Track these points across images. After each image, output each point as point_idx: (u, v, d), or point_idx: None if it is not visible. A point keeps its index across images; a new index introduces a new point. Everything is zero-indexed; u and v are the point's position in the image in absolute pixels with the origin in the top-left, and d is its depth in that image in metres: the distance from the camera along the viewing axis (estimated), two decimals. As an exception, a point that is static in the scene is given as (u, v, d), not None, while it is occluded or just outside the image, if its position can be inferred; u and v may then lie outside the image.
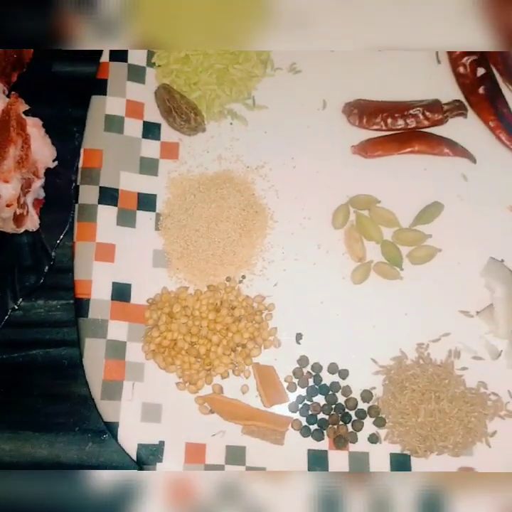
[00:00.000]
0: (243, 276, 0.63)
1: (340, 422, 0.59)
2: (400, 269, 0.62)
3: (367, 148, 0.64)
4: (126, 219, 0.63)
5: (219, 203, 0.63)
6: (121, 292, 0.62)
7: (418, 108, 0.65)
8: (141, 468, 0.57)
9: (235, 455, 0.58)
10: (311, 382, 0.61)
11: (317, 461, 0.58)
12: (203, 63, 0.65)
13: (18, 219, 0.61)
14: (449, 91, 0.66)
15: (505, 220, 0.63)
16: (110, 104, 0.65)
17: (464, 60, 0.65)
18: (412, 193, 0.64)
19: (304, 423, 0.59)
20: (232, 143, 0.66)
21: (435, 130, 0.65)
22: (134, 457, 0.57)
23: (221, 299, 0.62)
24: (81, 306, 0.60)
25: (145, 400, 0.59)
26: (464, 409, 0.58)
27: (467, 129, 0.65)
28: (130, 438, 0.58)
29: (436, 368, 0.60)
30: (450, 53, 0.66)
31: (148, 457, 0.57)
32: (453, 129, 0.65)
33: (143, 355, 0.60)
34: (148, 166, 0.65)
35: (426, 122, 0.64)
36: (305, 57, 0.67)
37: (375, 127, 0.65)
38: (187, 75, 0.65)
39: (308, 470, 0.58)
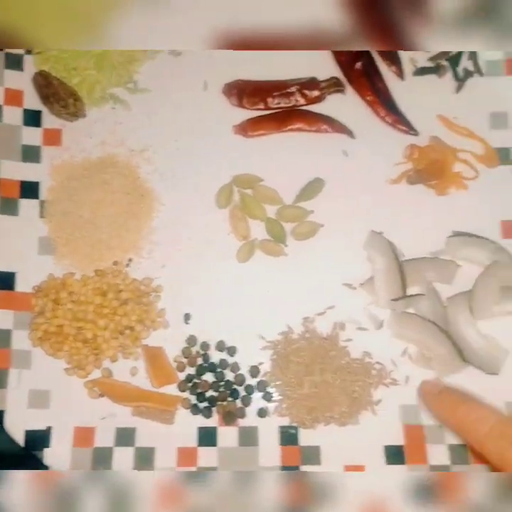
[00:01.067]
0: (130, 260, 0.63)
1: (229, 398, 0.60)
2: (285, 245, 0.63)
3: (248, 128, 0.65)
4: (8, 207, 0.63)
5: (103, 188, 0.63)
6: (5, 280, 0.61)
7: (296, 86, 0.65)
8: (29, 454, 0.57)
9: (125, 437, 0.59)
10: (200, 360, 0.61)
11: (207, 437, 0.59)
12: (80, 50, 0.64)
13: None
14: (327, 68, 0.66)
15: (385, 193, 0.64)
16: (-13, 93, 0.64)
17: (341, 37, 0.66)
18: (293, 170, 0.65)
19: (194, 401, 0.60)
20: (115, 127, 0.66)
21: (314, 107, 0.66)
22: (22, 443, 0.57)
23: (108, 283, 0.62)
24: (-36, 296, 0.59)
25: (32, 387, 0.59)
26: (349, 379, 0.60)
27: (345, 105, 0.66)
28: (17, 425, 0.58)
29: (322, 341, 0.61)
30: (327, 31, 0.66)
31: (34, 442, 0.57)
32: (332, 105, 0.66)
33: (30, 342, 0.60)
34: (31, 154, 0.65)
35: (304, 100, 0.65)
36: (185, 39, 0.67)
37: (255, 107, 0.65)
38: (65, 60, 0.65)
39: (199, 446, 0.59)
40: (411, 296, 0.61)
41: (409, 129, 0.65)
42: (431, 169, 0.64)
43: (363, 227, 0.64)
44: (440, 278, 0.62)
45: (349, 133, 0.65)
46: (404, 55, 0.67)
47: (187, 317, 0.62)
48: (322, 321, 0.62)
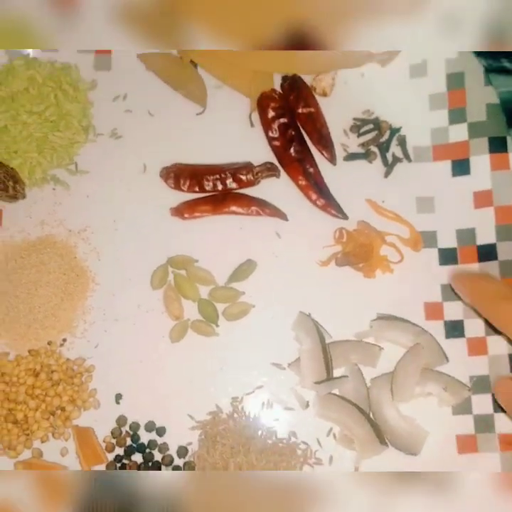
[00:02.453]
0: (64, 340, 0.65)
1: (157, 479, 0.61)
2: (216, 325, 0.65)
3: (184, 211, 0.67)
4: None
5: (39, 269, 0.65)
6: None
7: (231, 170, 0.68)
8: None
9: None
10: (129, 441, 0.62)
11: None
12: (22, 132, 0.67)
13: None
14: (262, 153, 0.69)
15: (314, 275, 0.66)
16: None
17: (275, 123, 0.69)
18: (227, 251, 0.67)
19: (122, 482, 0.61)
20: (55, 207, 0.68)
21: (249, 191, 0.68)
22: None
23: (41, 363, 0.63)
24: None
25: (-40, 468, 0.60)
26: (273, 459, 0.61)
27: (279, 188, 0.69)
28: None
29: (249, 421, 0.63)
30: (262, 117, 0.69)
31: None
32: (266, 189, 0.69)
33: (-39, 423, 0.61)
34: (-30, 234, 0.66)
35: (239, 184, 0.68)
36: (125, 123, 0.70)
37: (191, 190, 0.68)
38: (6, 144, 0.67)
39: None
40: (335, 378, 0.63)
41: (338, 212, 0.68)
42: (358, 252, 0.67)
43: (292, 308, 0.66)
44: (364, 360, 0.64)
45: (282, 216, 0.68)
46: (336, 141, 0.70)
47: (118, 397, 0.63)
48: (250, 401, 0.64)
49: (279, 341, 0.65)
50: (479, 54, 0.71)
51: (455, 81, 0.69)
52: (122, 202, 0.68)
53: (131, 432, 0.62)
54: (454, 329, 0.65)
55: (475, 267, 0.65)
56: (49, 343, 0.64)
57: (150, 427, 0.63)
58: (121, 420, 0.63)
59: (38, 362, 0.63)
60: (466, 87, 0.69)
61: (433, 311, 0.65)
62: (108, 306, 0.66)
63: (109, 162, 0.69)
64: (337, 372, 0.64)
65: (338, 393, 0.63)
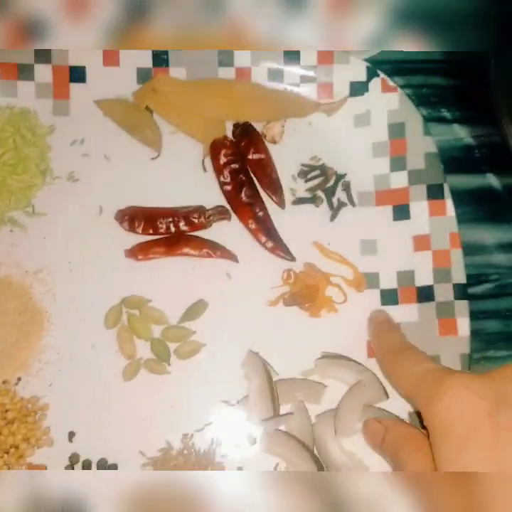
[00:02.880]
0: (19, 379, 0.66)
1: (109, 515, 0.63)
2: (168, 364, 0.68)
3: (138, 252, 0.70)
4: None
5: (-4, 309, 0.67)
6: None
7: (184, 213, 0.71)
8: None
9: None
10: (81, 478, 0.64)
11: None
12: (-20, 176, 0.69)
13: None
14: (214, 197, 0.72)
15: (263, 314, 0.70)
16: None
17: (227, 168, 0.72)
18: (180, 292, 0.70)
19: (74, 519, 0.63)
20: (12, 249, 0.70)
21: (201, 233, 0.71)
22: None
23: (-4, 402, 0.65)
24: None
25: None
26: (221, 494, 0.63)
27: (230, 231, 0.72)
28: None
29: (199, 457, 0.65)
30: (214, 162, 0.73)
31: None
32: (218, 231, 0.72)
33: None
34: None
35: (191, 226, 0.71)
36: (82, 167, 0.72)
37: (145, 232, 0.70)
38: (-36, 186, 0.69)
39: None
40: (282, 415, 0.66)
41: (286, 254, 0.71)
42: (305, 293, 0.70)
43: (241, 347, 0.69)
44: (309, 397, 0.67)
45: (233, 257, 0.71)
46: (284, 185, 0.73)
47: (71, 435, 0.65)
48: (200, 437, 0.66)
49: (228, 379, 0.68)
50: (419, 104, 0.76)
51: (396, 130, 0.73)
52: (78, 243, 0.71)
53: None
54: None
55: (414, 307, 0.69)
56: (4, 382, 0.66)
57: (102, 464, 0.65)
58: (74, 458, 0.65)
59: (-8, 401, 0.65)
60: (406, 136, 0.73)
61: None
62: (63, 345, 0.68)
63: (65, 204, 0.71)
64: (283, 409, 0.67)
65: (284, 429, 0.66)
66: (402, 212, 0.72)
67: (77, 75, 0.74)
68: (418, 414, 0.59)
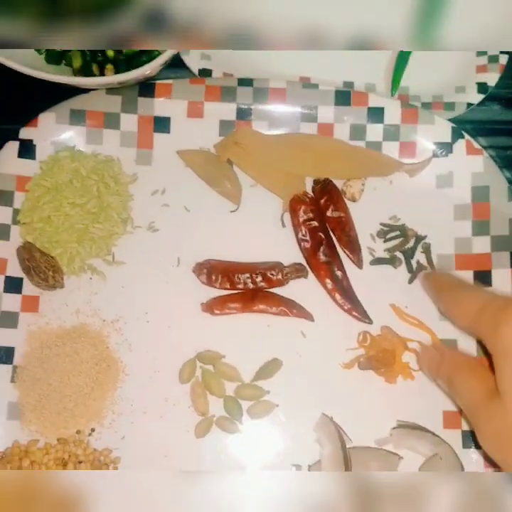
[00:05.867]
0: (92, 430, 0.67)
1: None
2: (240, 423, 0.67)
3: (214, 306, 0.70)
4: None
5: (72, 358, 0.67)
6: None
7: (262, 269, 0.70)
8: None
9: None
10: (150, 535, 0.64)
11: None
12: (64, 223, 0.70)
13: None
14: (292, 254, 0.72)
15: (338, 377, 0.68)
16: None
17: (306, 225, 0.72)
18: (254, 349, 0.69)
19: None
20: (91, 297, 0.71)
21: (278, 290, 0.71)
22: None
23: (69, 452, 0.65)
24: None
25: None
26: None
27: (307, 289, 0.71)
28: None
29: (268, 520, 0.64)
30: (293, 218, 0.72)
31: None
32: (294, 288, 0.71)
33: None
34: (9, 320, 0.69)
35: (268, 283, 0.70)
36: (162, 217, 0.73)
37: (222, 287, 0.70)
38: (49, 233, 0.70)
39: None
40: (355, 484, 0.64)
41: (363, 316, 0.70)
42: (381, 357, 0.69)
43: (314, 410, 0.68)
44: (383, 468, 0.65)
45: (308, 316, 0.70)
46: (363, 245, 0.73)
47: (142, 490, 0.65)
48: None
49: (300, 442, 0.67)
50: (503, 165, 0.74)
51: (480, 194, 0.72)
52: (155, 294, 0.71)
53: (152, 527, 0.64)
54: (469, 439, 0.66)
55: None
56: (78, 432, 0.66)
57: (171, 522, 0.64)
58: (143, 514, 0.64)
59: (66, 451, 0.65)
60: (490, 200, 0.71)
61: (451, 420, 0.67)
62: (136, 397, 0.68)
63: (144, 254, 0.72)
64: (356, 477, 0.65)
65: (356, 499, 0.64)
66: (483, 278, 0.71)
67: (162, 125, 0.74)
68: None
